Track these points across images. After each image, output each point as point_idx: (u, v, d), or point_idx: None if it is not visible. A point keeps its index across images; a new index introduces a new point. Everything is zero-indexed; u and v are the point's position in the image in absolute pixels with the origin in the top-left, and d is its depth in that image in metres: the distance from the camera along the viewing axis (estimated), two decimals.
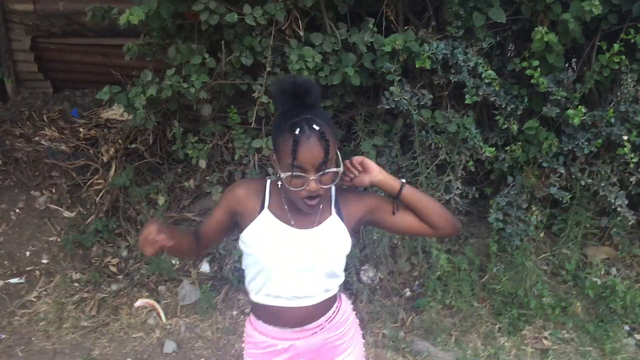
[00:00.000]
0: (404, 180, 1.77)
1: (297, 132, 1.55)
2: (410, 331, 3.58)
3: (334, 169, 1.62)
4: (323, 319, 1.85)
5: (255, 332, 1.88)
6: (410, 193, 1.77)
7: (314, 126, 1.56)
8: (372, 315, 3.64)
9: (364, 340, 2.08)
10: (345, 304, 1.96)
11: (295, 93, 1.60)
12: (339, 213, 1.76)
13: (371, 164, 1.76)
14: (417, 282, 3.84)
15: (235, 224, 1.80)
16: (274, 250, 1.72)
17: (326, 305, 1.84)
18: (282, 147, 1.60)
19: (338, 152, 1.67)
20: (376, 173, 1.76)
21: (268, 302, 1.79)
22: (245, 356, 1.97)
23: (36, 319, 3.68)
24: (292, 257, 1.72)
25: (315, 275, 1.75)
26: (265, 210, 1.73)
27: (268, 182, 1.78)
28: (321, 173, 1.59)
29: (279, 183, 1.71)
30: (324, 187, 1.61)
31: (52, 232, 4.24)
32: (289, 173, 1.59)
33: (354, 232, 1.82)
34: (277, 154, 1.66)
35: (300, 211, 1.71)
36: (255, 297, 1.82)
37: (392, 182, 1.76)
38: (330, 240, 1.74)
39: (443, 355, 3.40)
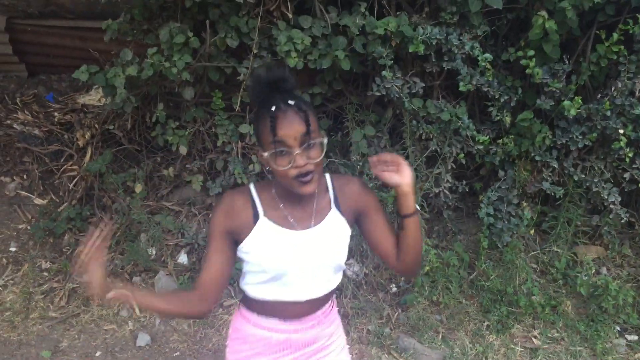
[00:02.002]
0: (419, 208, 1.66)
1: (273, 109, 1.48)
2: (396, 327, 3.45)
3: (319, 139, 1.52)
4: (320, 311, 1.75)
5: (247, 325, 1.74)
6: (416, 223, 1.65)
7: (289, 101, 1.49)
8: (356, 311, 3.50)
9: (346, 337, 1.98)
10: (336, 307, 1.88)
11: (269, 81, 1.53)
12: (337, 205, 1.65)
13: (408, 170, 1.63)
14: (403, 278, 3.70)
15: (235, 244, 1.65)
16: (279, 259, 1.60)
17: (327, 297, 1.75)
18: (262, 129, 1.52)
19: (320, 126, 1.59)
20: (409, 181, 1.62)
21: (274, 299, 1.67)
22: (228, 353, 1.81)
23: (1, 309, 3.48)
24: (299, 260, 1.61)
25: (324, 272, 1.66)
26: (262, 219, 1.61)
27: (252, 187, 1.66)
28: (306, 145, 1.49)
29: (269, 176, 1.63)
30: (313, 161, 1.50)
31: (21, 219, 4.04)
32: (273, 150, 1.49)
33: (352, 223, 1.70)
34: (260, 141, 1.56)
35: (297, 206, 1.62)
36: (257, 297, 1.69)
37: (412, 200, 1.64)
38: (334, 236, 1.64)
39: (429, 352, 3.27)
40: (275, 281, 1.63)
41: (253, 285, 1.67)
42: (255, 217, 1.61)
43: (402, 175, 1.60)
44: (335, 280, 1.72)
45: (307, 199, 1.62)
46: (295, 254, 1.60)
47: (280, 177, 1.53)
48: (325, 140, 1.54)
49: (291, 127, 1.47)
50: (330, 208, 1.65)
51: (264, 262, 1.60)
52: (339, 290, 3.56)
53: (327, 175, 1.70)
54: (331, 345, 1.82)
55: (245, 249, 1.61)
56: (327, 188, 1.67)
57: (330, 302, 1.80)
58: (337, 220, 1.65)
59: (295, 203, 1.62)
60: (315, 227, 1.62)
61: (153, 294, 1.67)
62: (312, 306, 1.71)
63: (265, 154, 1.50)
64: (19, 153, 4.31)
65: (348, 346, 1.95)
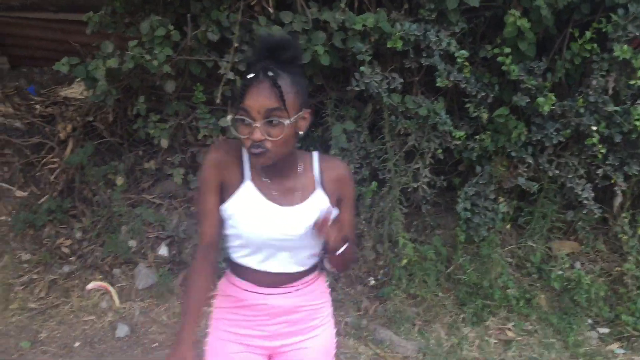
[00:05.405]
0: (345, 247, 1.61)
1: (249, 76, 1.46)
2: (373, 320, 3.50)
3: (283, 120, 1.47)
4: (299, 282, 1.71)
5: (229, 285, 1.73)
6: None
7: (270, 72, 1.45)
8: (335, 303, 3.48)
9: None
10: (324, 283, 1.83)
11: (268, 47, 1.50)
12: (322, 185, 1.64)
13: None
14: (381, 271, 3.76)
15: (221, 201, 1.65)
16: (259, 229, 1.60)
17: (305, 273, 1.72)
18: (238, 93, 1.50)
19: (303, 115, 1.54)
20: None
21: (251, 266, 1.68)
22: (214, 308, 1.79)
23: None
24: (278, 236, 1.60)
25: (303, 250, 1.65)
26: (248, 182, 1.60)
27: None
28: (268, 120, 1.46)
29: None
30: (271, 139, 1.48)
31: (2, 211, 4.03)
32: (235, 116, 1.48)
33: (335, 204, 1.67)
34: (235, 102, 1.56)
35: (278, 180, 1.60)
36: (233, 258, 1.71)
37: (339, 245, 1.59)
38: (317, 215, 1.60)
39: (405, 344, 3.32)
40: (245, 247, 1.63)
41: (230, 248, 1.69)
42: (242, 178, 1.60)
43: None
44: (313, 257, 1.69)
45: (287, 175, 1.60)
46: (276, 229, 1.59)
47: (241, 142, 1.54)
48: (287, 122, 1.48)
49: (257, 100, 1.45)
50: (315, 188, 1.63)
51: (243, 228, 1.60)
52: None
53: (315, 154, 1.67)
54: (314, 322, 1.78)
55: (229, 211, 1.60)
56: (312, 167, 1.65)
57: (312, 275, 1.74)
58: (322, 200, 1.63)
59: (275, 177, 1.60)
60: (299, 205, 1.61)
61: (193, 319, 1.56)
62: (290, 277, 1.69)
63: (229, 117, 1.51)
64: (0, 145, 4.30)
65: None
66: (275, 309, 1.72)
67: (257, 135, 1.46)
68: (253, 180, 1.60)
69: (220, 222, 1.63)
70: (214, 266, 1.61)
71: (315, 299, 1.78)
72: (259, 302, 1.71)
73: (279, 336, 1.75)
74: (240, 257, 1.68)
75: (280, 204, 1.60)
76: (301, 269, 1.69)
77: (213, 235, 1.62)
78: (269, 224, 1.59)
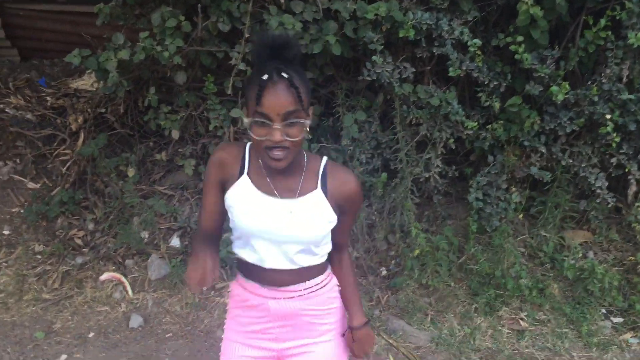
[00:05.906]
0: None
1: (264, 77, 1.45)
2: (386, 310, 3.50)
3: (302, 120, 1.50)
4: (302, 285, 1.72)
5: (235, 284, 1.79)
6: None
7: (283, 74, 1.46)
8: None
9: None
10: (334, 286, 1.81)
11: (272, 46, 1.50)
12: (324, 188, 1.64)
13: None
14: (393, 261, 3.76)
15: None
16: (249, 218, 1.62)
17: (308, 273, 1.71)
18: (250, 95, 1.50)
19: (311, 111, 1.57)
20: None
21: (246, 259, 1.71)
22: (227, 313, 1.85)
23: None
24: (268, 226, 1.61)
25: (290, 248, 1.65)
26: (244, 176, 1.64)
27: (248, 145, 1.67)
28: (288, 122, 1.48)
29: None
30: (291, 139, 1.49)
31: (15, 203, 4.05)
32: (253, 119, 1.49)
33: (337, 211, 1.67)
34: (246, 104, 1.55)
35: (278, 177, 1.62)
36: (236, 252, 1.74)
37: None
38: (311, 214, 1.63)
39: (418, 334, 3.32)
40: (243, 239, 1.67)
41: (233, 241, 1.73)
42: (241, 173, 1.64)
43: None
44: (305, 260, 1.68)
45: (289, 174, 1.62)
46: (265, 219, 1.61)
47: (255, 144, 1.54)
48: (308, 122, 1.52)
49: (276, 102, 1.45)
50: (316, 187, 1.64)
51: (236, 217, 1.64)
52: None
53: (324, 159, 1.68)
54: (322, 327, 1.78)
55: (228, 202, 1.65)
56: (317, 169, 1.66)
57: (318, 280, 1.74)
58: (320, 201, 1.63)
59: (277, 175, 1.62)
60: (294, 199, 1.62)
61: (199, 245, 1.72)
62: (285, 277, 1.69)
63: (246, 120, 1.51)
64: (12, 137, 4.32)
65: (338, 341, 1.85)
66: (276, 313, 1.74)
67: (278, 136, 1.48)
68: (250, 174, 1.64)
69: (219, 215, 1.69)
70: (211, 248, 1.62)
71: (321, 305, 1.77)
72: (260, 303, 1.73)
73: (284, 339, 1.78)
74: (240, 249, 1.71)
75: (275, 197, 1.62)
76: (300, 266, 1.68)
77: (208, 227, 1.69)
78: (261, 214, 1.61)
